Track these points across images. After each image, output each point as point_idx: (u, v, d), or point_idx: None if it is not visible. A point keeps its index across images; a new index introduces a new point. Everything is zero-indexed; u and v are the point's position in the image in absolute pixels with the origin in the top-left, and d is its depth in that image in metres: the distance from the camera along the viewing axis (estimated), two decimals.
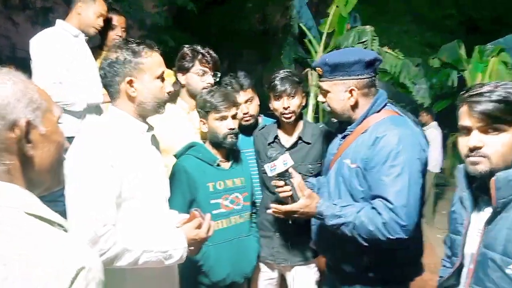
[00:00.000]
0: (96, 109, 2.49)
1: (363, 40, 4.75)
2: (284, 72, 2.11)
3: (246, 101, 2.22)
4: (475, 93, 1.13)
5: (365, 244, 1.50)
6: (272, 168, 1.71)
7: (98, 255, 1.21)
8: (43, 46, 2.34)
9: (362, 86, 1.62)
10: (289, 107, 2.03)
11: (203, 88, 2.08)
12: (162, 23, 7.95)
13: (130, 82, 1.38)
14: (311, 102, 5.07)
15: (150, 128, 1.51)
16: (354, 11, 5.36)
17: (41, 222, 0.73)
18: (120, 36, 2.77)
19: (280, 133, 2.14)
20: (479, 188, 1.20)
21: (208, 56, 2.13)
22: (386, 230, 1.44)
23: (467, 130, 1.15)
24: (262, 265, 2.18)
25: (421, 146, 1.53)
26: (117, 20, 2.78)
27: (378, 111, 1.63)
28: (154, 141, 1.55)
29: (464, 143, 1.16)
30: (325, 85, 1.67)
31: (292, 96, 2.04)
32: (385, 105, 1.66)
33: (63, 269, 0.66)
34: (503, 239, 1.08)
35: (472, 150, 1.13)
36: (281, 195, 1.73)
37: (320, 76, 1.69)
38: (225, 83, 2.24)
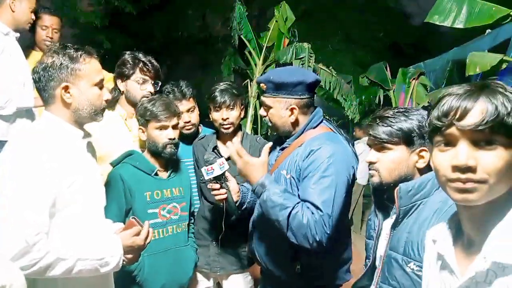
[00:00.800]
0: (27, 113, 2.34)
1: (301, 56, 4.97)
2: (224, 84, 2.16)
3: (188, 110, 2.24)
4: (373, 117, 1.35)
5: (289, 235, 1.55)
6: (209, 172, 1.74)
7: (30, 265, 1.16)
8: None
9: (302, 105, 1.72)
10: (228, 118, 2.08)
11: (143, 97, 2.06)
12: (97, 23, 7.65)
13: (66, 88, 1.35)
14: (250, 113, 5.18)
15: (87, 135, 1.47)
16: (293, 27, 5.60)
17: None
18: (52, 38, 2.65)
19: (219, 144, 2.18)
20: (388, 198, 1.36)
21: (149, 64, 2.12)
22: (315, 228, 1.51)
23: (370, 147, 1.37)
24: (198, 274, 2.19)
25: (351, 163, 1.66)
26: (49, 20, 2.65)
27: (315, 127, 1.74)
28: (90, 148, 1.52)
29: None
30: (267, 100, 1.74)
31: (231, 108, 2.09)
32: (321, 121, 1.77)
33: None
34: (403, 242, 1.24)
35: (369, 164, 1.34)
36: (217, 198, 1.77)
37: (263, 91, 1.77)
38: (167, 90, 2.25)
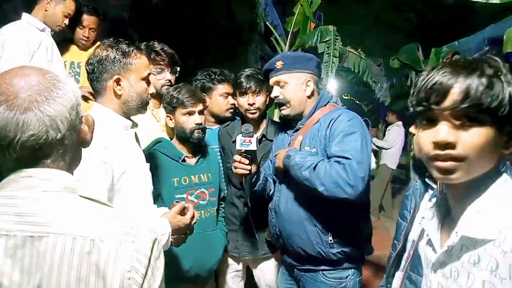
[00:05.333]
0: None
1: (326, 39, 4.88)
2: (250, 70, 2.17)
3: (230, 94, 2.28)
4: None
5: (321, 190, 1.61)
6: (245, 143, 1.66)
7: None
8: (13, 40, 2.26)
9: (315, 81, 1.86)
10: (254, 103, 2.09)
11: (163, 85, 2.10)
12: (126, 16, 7.79)
13: (118, 81, 1.42)
14: None
15: (134, 124, 1.54)
16: (318, 11, 5.49)
17: (99, 204, 0.81)
18: (88, 37, 2.72)
19: None
20: (430, 176, 1.22)
21: (162, 54, 2.13)
22: (346, 175, 1.57)
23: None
24: (228, 258, 2.23)
25: (368, 131, 1.76)
26: (87, 20, 2.72)
27: (325, 105, 1.85)
28: (135, 137, 1.59)
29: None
30: (284, 77, 1.84)
31: (257, 93, 2.10)
32: (328, 101, 1.87)
33: (144, 242, 0.77)
34: None
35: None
36: (240, 171, 1.71)
37: (278, 71, 1.84)
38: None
